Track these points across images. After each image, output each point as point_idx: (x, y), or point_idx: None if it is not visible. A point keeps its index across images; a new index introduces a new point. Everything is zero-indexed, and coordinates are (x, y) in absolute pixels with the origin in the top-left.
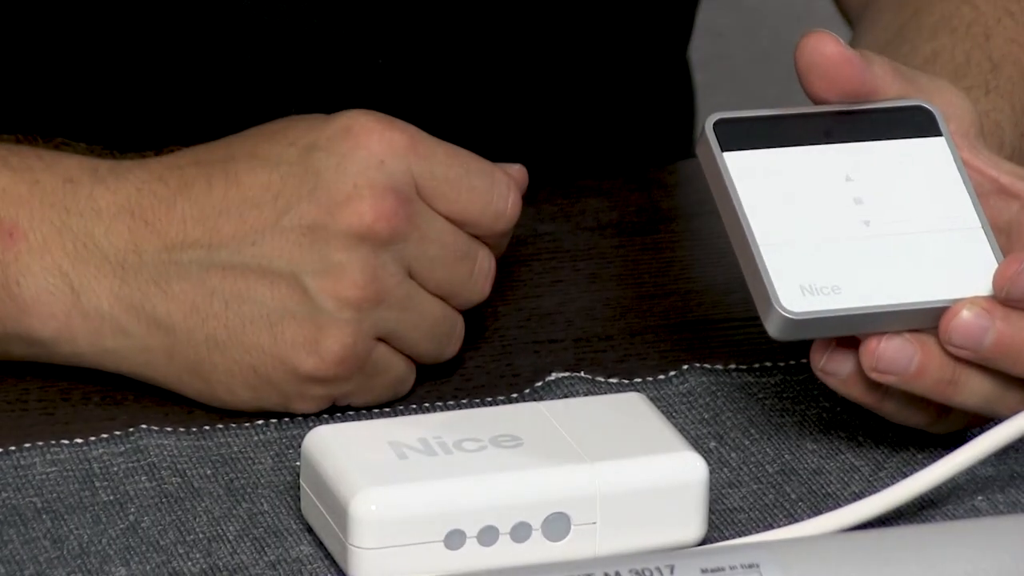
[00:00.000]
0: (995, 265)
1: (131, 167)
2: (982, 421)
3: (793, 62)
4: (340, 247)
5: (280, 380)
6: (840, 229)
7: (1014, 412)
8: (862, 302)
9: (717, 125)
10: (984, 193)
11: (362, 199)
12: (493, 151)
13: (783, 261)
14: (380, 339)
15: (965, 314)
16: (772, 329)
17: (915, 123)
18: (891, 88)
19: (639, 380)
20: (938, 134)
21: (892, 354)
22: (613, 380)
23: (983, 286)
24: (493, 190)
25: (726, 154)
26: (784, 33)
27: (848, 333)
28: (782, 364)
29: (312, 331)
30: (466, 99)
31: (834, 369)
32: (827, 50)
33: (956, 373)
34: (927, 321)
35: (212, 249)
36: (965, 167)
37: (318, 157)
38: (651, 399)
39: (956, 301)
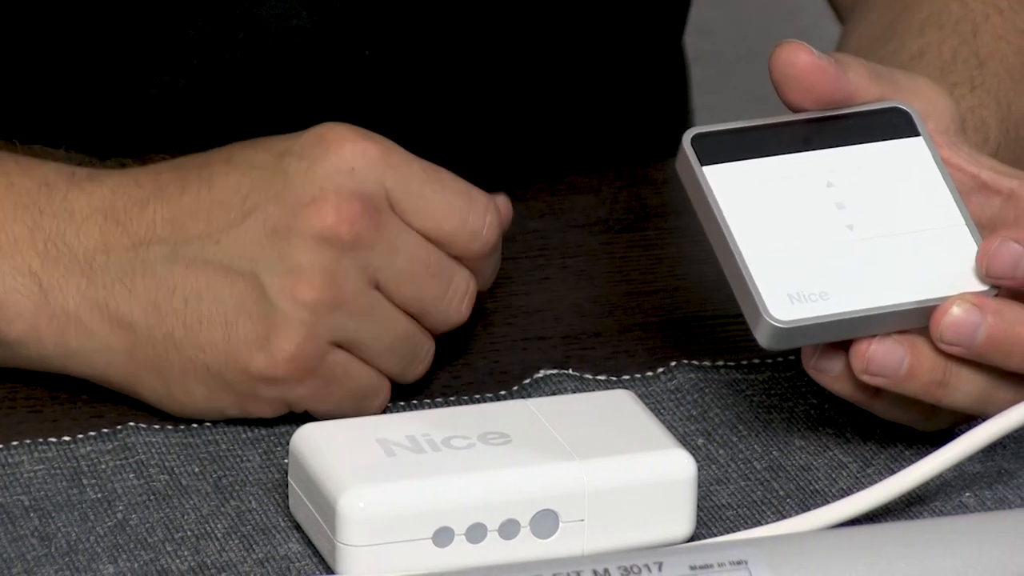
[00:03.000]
0: None
1: (109, 172)
2: (971, 418)
3: (768, 69)
4: (301, 248)
5: (232, 379)
6: (824, 235)
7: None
8: (851, 306)
9: (695, 140)
10: (966, 190)
11: (327, 202)
12: (482, 145)
13: (769, 271)
14: (338, 346)
15: (955, 311)
16: (762, 339)
17: (893, 125)
18: (868, 91)
19: (627, 377)
20: (916, 134)
21: (882, 356)
22: (601, 377)
23: (971, 283)
24: (470, 208)
25: (706, 168)
26: (773, 29)
27: (839, 338)
28: (770, 361)
29: (265, 329)
30: (454, 92)
31: (825, 367)
32: (800, 61)
33: (946, 374)
34: (917, 321)
35: (177, 246)
36: (945, 165)
37: (289, 162)
38: (639, 396)
39: (945, 299)
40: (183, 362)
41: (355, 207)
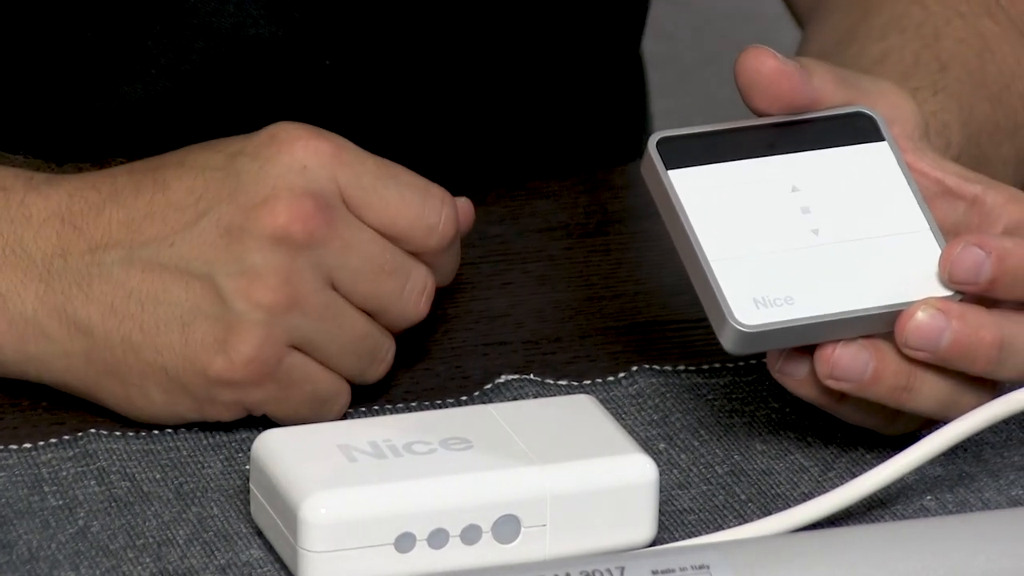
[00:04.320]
0: None
1: (66, 177)
2: (934, 423)
3: (734, 74)
4: (255, 249)
5: (190, 382)
6: (789, 240)
7: None
8: (816, 311)
9: (660, 144)
10: (930, 195)
11: (279, 201)
12: (441, 152)
13: (735, 275)
14: (296, 348)
15: (920, 316)
16: (727, 343)
17: (858, 130)
18: (833, 96)
19: (588, 382)
20: (881, 139)
21: (847, 361)
22: (563, 382)
23: (936, 287)
24: (425, 204)
25: (671, 172)
26: (733, 34)
27: (804, 343)
28: (731, 365)
29: (222, 332)
30: (414, 99)
31: (790, 371)
32: (765, 67)
33: (911, 379)
34: (882, 326)
35: (133, 249)
36: (910, 170)
37: (242, 162)
38: (601, 401)
39: (910, 304)
40: (141, 366)
41: (307, 206)
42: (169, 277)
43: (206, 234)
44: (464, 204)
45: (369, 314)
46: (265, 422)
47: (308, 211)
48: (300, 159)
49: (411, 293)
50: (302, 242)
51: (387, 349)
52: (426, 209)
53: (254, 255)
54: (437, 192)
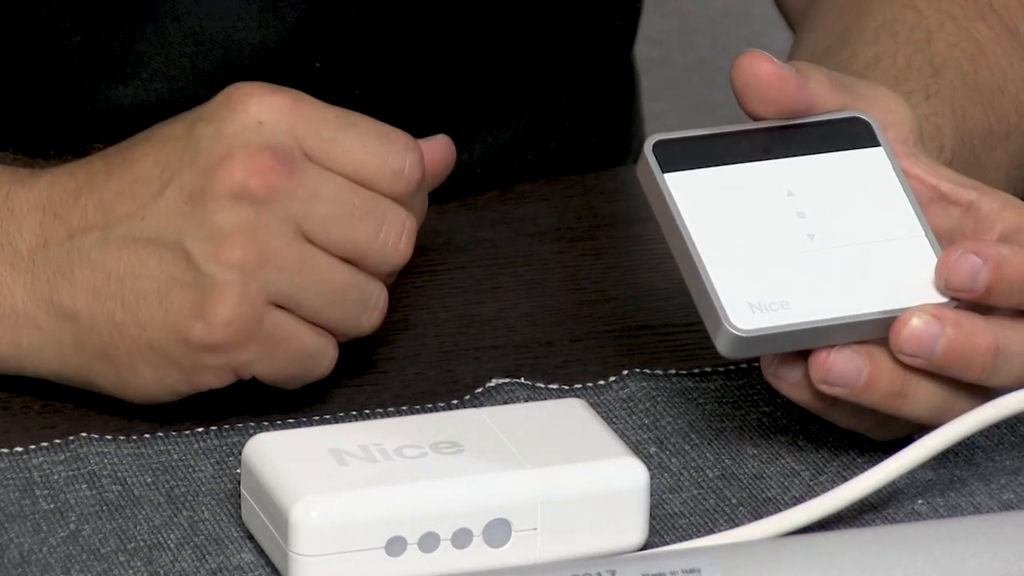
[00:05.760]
0: None
1: (48, 169)
2: (927, 428)
3: (729, 78)
4: (218, 209)
5: (175, 352)
6: (785, 244)
7: None
8: (811, 316)
9: (656, 147)
10: (925, 201)
11: (234, 158)
12: None
13: (730, 279)
14: (278, 305)
15: (915, 322)
16: (722, 347)
17: (853, 135)
18: (829, 101)
19: (579, 386)
20: (876, 144)
21: (841, 367)
22: (553, 386)
23: (931, 294)
24: (388, 148)
25: (667, 175)
26: (722, 38)
27: (799, 348)
28: (722, 369)
29: (198, 297)
30: (404, 102)
31: (784, 374)
32: (761, 70)
33: (905, 385)
34: (877, 332)
35: (107, 230)
36: (905, 175)
37: (199, 127)
38: (591, 405)
39: (905, 310)
40: (127, 343)
41: (264, 159)
42: (143, 251)
43: (172, 203)
44: (440, 144)
45: (351, 263)
46: (257, 427)
47: (265, 164)
48: (255, 115)
49: (389, 235)
50: (264, 196)
51: (377, 296)
52: (389, 155)
53: (218, 216)
54: (400, 137)
